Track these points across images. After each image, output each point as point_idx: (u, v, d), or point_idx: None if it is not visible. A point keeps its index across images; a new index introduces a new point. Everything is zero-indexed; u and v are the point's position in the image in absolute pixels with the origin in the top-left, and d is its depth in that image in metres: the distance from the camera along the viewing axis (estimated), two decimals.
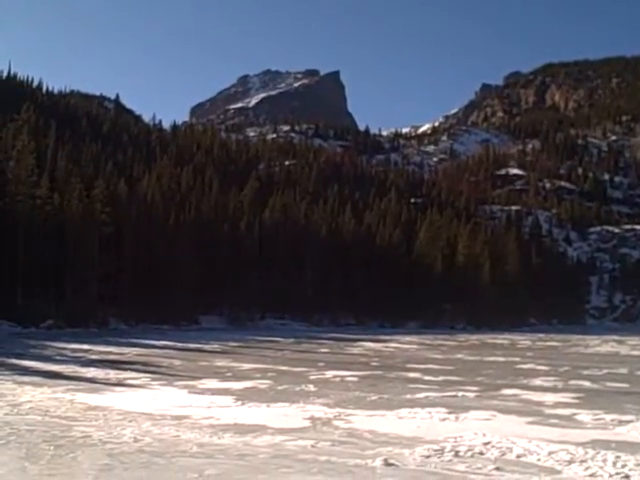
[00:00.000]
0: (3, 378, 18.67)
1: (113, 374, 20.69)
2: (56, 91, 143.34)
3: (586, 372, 25.05)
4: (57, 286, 51.87)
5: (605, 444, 10.77)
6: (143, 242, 61.49)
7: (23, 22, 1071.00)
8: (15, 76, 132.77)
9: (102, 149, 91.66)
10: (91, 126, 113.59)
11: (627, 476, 8.74)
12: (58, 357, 27.52)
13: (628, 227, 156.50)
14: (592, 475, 8.82)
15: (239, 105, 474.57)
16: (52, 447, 9.80)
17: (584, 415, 13.95)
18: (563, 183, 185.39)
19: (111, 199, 60.31)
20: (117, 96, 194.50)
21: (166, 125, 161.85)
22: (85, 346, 32.83)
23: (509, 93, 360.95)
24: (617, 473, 8.87)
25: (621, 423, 12.98)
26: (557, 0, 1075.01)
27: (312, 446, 10.32)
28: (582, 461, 9.54)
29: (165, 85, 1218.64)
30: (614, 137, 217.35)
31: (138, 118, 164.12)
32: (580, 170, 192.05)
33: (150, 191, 73.64)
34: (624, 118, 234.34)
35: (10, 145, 58.14)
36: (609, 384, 20.91)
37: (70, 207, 57.09)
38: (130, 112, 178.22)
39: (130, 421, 12.21)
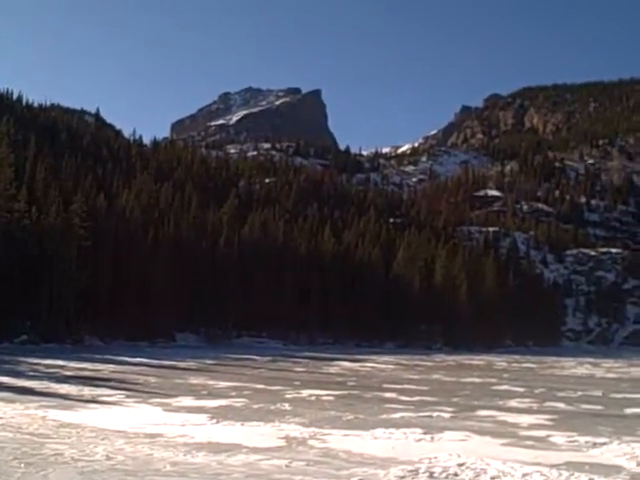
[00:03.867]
0: None
1: (87, 391, 20.50)
2: (36, 104, 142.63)
3: (561, 394, 25.18)
4: (33, 301, 51.33)
5: (579, 466, 10.83)
6: (121, 258, 61.09)
7: (4, 35, 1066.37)
8: None
9: (82, 163, 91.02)
10: (71, 140, 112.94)
11: None
12: (31, 373, 27.22)
13: (604, 250, 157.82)
14: None
15: (220, 122, 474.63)
16: (23, 464, 9.68)
17: (558, 437, 14.02)
18: (540, 205, 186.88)
19: (90, 214, 59.89)
20: (97, 110, 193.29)
21: (146, 140, 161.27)
22: (60, 362, 32.52)
23: (488, 115, 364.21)
24: None
25: (595, 445, 13.06)
26: (537, 25, 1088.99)
27: (287, 466, 10.28)
28: None
29: (146, 100, 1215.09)
30: (591, 160, 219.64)
31: (118, 133, 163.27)
32: (557, 192, 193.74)
33: (129, 206, 73.26)
34: (601, 142, 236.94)
35: None
36: (584, 406, 21.04)
37: (48, 221, 56.65)
38: (111, 127, 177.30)
39: (103, 439, 12.10)
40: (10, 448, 10.93)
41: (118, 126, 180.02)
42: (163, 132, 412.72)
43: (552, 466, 10.70)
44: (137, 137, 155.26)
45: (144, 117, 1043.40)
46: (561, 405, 21.16)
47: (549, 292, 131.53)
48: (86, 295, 54.63)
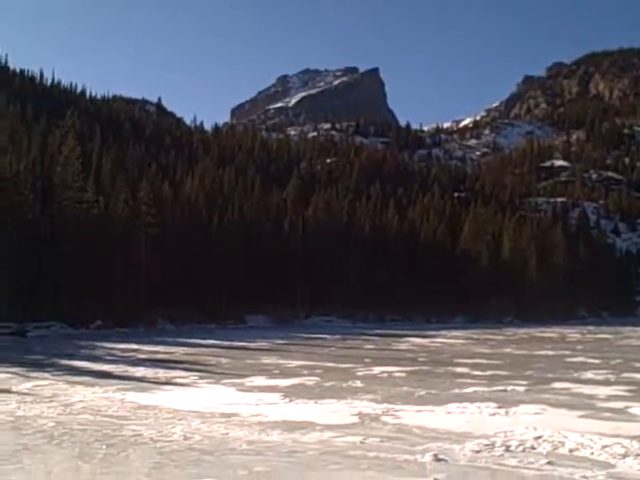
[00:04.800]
0: (55, 378, 19.02)
1: (162, 373, 20.92)
2: (99, 96, 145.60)
3: (639, 365, 24.58)
4: (105, 288, 52.60)
5: None
6: (188, 243, 62.05)
7: (65, 29, 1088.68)
8: (59, 83, 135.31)
9: (145, 152, 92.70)
10: (134, 130, 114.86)
11: None
12: (108, 357, 27.93)
13: None
14: None
15: (279, 105, 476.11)
16: (104, 446, 9.94)
17: (638, 408, 13.69)
18: (610, 173, 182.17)
19: (156, 201, 60.95)
20: (159, 99, 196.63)
21: (207, 127, 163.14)
22: (134, 346, 33.27)
23: (552, 84, 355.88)
24: None
25: None
26: None
27: (361, 442, 10.30)
28: (637, 455, 9.36)
29: (205, 87, 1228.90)
30: None
31: (180, 120, 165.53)
32: (627, 160, 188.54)
33: (194, 192, 74.26)
34: None
35: (57, 151, 59.15)
36: None
37: (116, 210, 57.90)
38: (172, 115, 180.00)
39: (180, 419, 12.32)
40: (92, 430, 11.23)
41: (179, 114, 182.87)
42: (223, 117, 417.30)
43: (632, 437, 10.46)
44: (198, 124, 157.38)
45: (204, 104, 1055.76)
46: (639, 376, 20.65)
47: (622, 261, 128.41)
48: (157, 280, 55.69)
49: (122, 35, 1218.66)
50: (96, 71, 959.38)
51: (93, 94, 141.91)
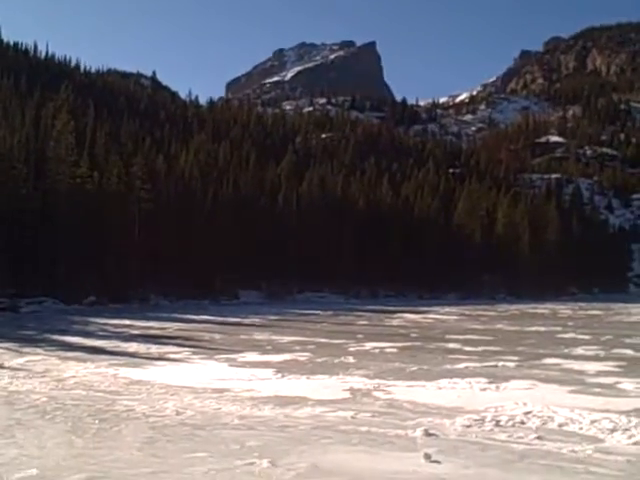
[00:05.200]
0: (48, 354, 19.08)
1: (155, 349, 21.00)
2: (93, 70, 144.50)
3: (629, 340, 24.77)
4: (99, 263, 52.53)
5: None
6: (182, 217, 61.93)
7: (59, 1, 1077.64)
8: (53, 56, 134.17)
9: (140, 127, 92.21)
10: (128, 104, 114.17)
11: None
12: (101, 333, 28.01)
13: None
14: (636, 443, 8.74)
15: (275, 79, 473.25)
16: (97, 421, 10.00)
17: (627, 383, 13.81)
18: (605, 149, 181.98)
19: (150, 175, 60.73)
20: (153, 73, 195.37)
21: (202, 101, 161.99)
22: (127, 321, 33.35)
23: (549, 59, 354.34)
24: None
25: None
26: None
27: (352, 417, 10.38)
28: (625, 429, 9.46)
29: (200, 61, 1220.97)
30: None
31: (175, 95, 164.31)
32: (622, 136, 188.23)
33: (188, 167, 73.99)
34: None
35: (50, 125, 58.80)
36: None
37: (110, 185, 57.68)
38: (166, 89, 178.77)
39: (172, 395, 12.39)
40: (84, 405, 11.29)
41: (174, 88, 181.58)
42: (219, 92, 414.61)
43: (621, 412, 10.56)
44: (193, 98, 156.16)
45: (199, 78, 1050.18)
46: (629, 352, 20.80)
47: (615, 238, 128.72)
48: (150, 255, 55.64)
49: (117, 8, 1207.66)
50: (90, 44, 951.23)
51: (87, 68, 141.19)
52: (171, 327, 30.87)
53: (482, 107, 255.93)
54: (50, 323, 32.08)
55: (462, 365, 17.07)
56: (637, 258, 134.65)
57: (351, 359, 18.37)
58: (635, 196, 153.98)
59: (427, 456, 7.93)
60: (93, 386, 13.43)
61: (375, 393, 12.68)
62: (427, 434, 9.17)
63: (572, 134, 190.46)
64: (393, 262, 77.22)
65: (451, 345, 22.89)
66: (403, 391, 12.87)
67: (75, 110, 71.72)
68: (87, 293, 49.89)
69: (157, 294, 56.67)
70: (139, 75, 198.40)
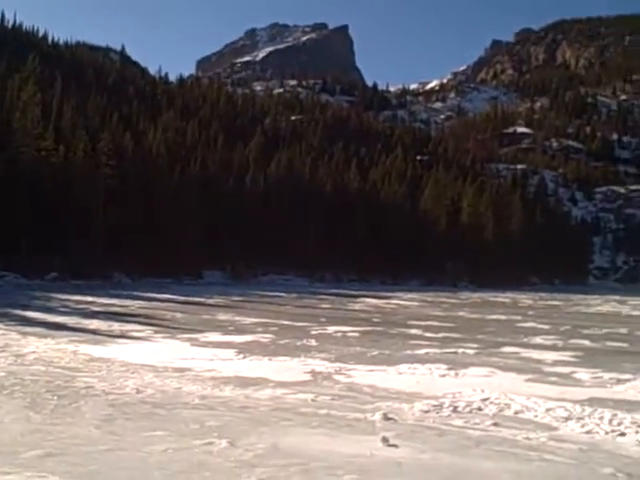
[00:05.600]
0: (8, 329, 18.85)
1: (116, 326, 20.87)
2: (61, 42, 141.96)
3: (586, 331, 25.19)
4: (62, 239, 51.94)
5: (602, 402, 10.87)
6: (148, 195, 61.43)
7: None
8: (20, 26, 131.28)
9: (108, 101, 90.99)
10: (97, 78, 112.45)
11: (623, 434, 8.84)
12: (62, 309, 27.73)
13: (634, 187, 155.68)
14: (588, 432, 8.91)
15: (246, 59, 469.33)
16: (55, 397, 9.92)
17: (583, 373, 14.06)
18: (571, 142, 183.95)
19: (116, 152, 60.09)
20: (123, 48, 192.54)
21: (172, 78, 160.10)
22: (89, 298, 33.06)
23: (519, 50, 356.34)
24: (613, 430, 8.97)
25: (619, 382, 13.09)
26: None
27: (312, 400, 10.43)
28: (579, 418, 9.64)
29: (171, 38, 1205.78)
30: (624, 96, 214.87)
31: (144, 70, 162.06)
32: (588, 129, 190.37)
33: (155, 144, 73.33)
34: (635, 77, 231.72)
35: (16, 96, 57.78)
36: (609, 343, 21.04)
37: (75, 159, 56.96)
38: (136, 64, 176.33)
39: (133, 372, 12.34)
40: (43, 381, 11.20)
41: (143, 64, 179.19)
42: (189, 69, 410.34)
43: (576, 402, 10.76)
44: (163, 75, 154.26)
45: (170, 54, 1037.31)
46: (586, 342, 21.17)
47: (577, 230, 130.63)
48: (114, 233, 55.18)
49: None
50: (59, 15, 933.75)
51: (55, 39, 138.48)
52: (133, 305, 30.68)
53: (452, 95, 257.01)
54: (11, 298, 31.67)
55: (423, 351, 17.23)
56: (598, 250, 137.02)
57: (313, 342, 18.43)
58: (598, 189, 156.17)
59: (385, 440, 8.02)
60: (53, 362, 13.31)
61: (336, 376, 12.75)
62: (386, 418, 9.25)
63: (539, 126, 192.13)
64: (358, 247, 77.58)
65: (412, 331, 23.08)
66: (363, 375, 12.96)
67: (42, 82, 70.49)
68: (49, 268, 49.38)
69: (120, 271, 56.27)
70: (108, 49, 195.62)
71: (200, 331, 20.23)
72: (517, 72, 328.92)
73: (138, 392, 10.56)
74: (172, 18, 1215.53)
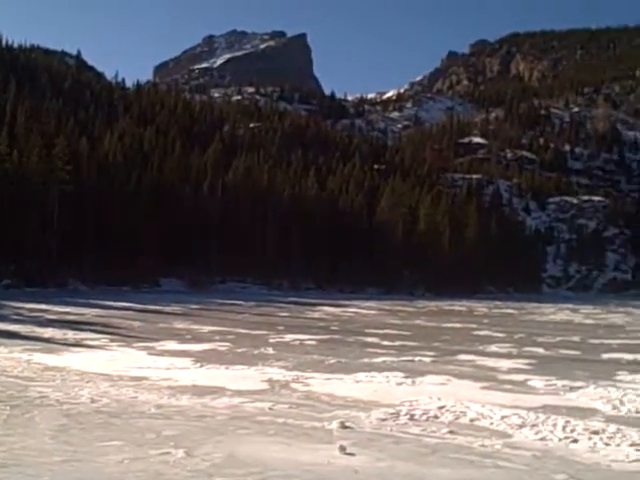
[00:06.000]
0: None
1: (71, 334, 20.59)
2: (16, 45, 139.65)
3: (540, 339, 25.58)
4: (15, 245, 51.09)
5: (556, 409, 11.07)
6: (104, 202, 60.72)
7: None
8: None
9: (63, 106, 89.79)
10: (52, 82, 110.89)
11: (575, 440, 9.01)
12: (15, 317, 27.26)
13: (586, 198, 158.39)
14: (542, 439, 9.06)
15: (204, 65, 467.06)
16: (8, 407, 9.76)
17: (537, 381, 14.29)
18: (524, 153, 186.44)
19: (72, 157, 59.30)
20: (79, 52, 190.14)
21: (129, 84, 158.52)
22: (43, 306, 32.56)
23: (475, 61, 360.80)
24: (566, 437, 9.14)
25: (572, 389, 13.33)
26: None
27: (270, 408, 10.43)
28: (533, 425, 9.80)
29: (128, 43, 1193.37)
30: (576, 108, 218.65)
31: (100, 75, 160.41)
32: (542, 140, 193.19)
33: (112, 150, 72.54)
34: (586, 90, 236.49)
35: None
36: (562, 351, 21.40)
37: (30, 164, 56.09)
38: (92, 69, 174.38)
39: (88, 382, 12.20)
40: None
41: (100, 69, 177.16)
42: (146, 75, 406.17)
43: (530, 409, 10.94)
44: (119, 80, 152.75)
45: (127, 60, 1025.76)
46: (540, 350, 21.51)
47: (531, 239, 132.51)
48: (70, 239, 54.41)
49: None
50: (13, 18, 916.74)
51: (9, 42, 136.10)
52: (89, 313, 30.29)
53: (409, 105, 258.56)
54: None
55: (380, 359, 17.33)
56: (551, 260, 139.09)
57: (271, 350, 18.42)
58: (551, 200, 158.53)
59: (342, 448, 8.06)
60: (5, 371, 13.09)
61: (293, 385, 12.76)
62: (343, 426, 9.30)
63: (494, 136, 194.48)
64: (316, 255, 77.65)
65: (370, 339, 23.19)
66: (321, 383, 13.00)
67: None
68: (2, 275, 48.47)
69: (75, 279, 55.49)
70: (63, 53, 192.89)
71: (157, 340, 20.07)
72: (472, 83, 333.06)
73: (93, 402, 10.44)
74: (129, 23, 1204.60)
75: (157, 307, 36.96)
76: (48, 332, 21.04)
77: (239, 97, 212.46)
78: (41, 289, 48.71)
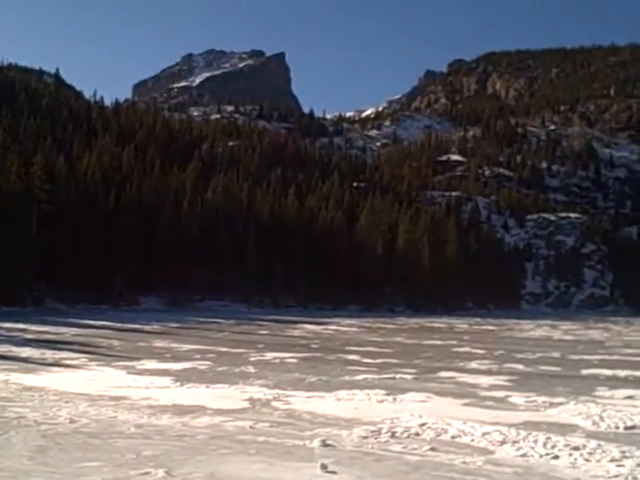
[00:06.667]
0: None
1: (49, 354, 20.38)
2: None
3: (520, 356, 25.66)
4: None
5: (536, 425, 11.10)
6: (83, 221, 60.39)
7: None
8: None
9: (41, 125, 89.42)
10: (30, 101, 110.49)
11: (556, 456, 9.03)
12: None
13: (564, 215, 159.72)
14: (523, 455, 9.08)
15: (183, 84, 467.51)
16: None
17: (517, 397, 14.33)
18: (502, 170, 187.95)
19: (50, 176, 59.02)
20: (57, 70, 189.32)
21: (108, 102, 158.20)
22: (20, 325, 32.23)
23: (452, 80, 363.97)
24: (547, 453, 9.16)
25: (552, 405, 13.38)
26: None
27: (251, 427, 10.37)
28: (514, 442, 9.81)
29: (107, 62, 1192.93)
30: (552, 126, 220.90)
31: (79, 94, 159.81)
32: (519, 158, 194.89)
33: (90, 169, 72.23)
34: (562, 108, 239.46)
35: None
36: (542, 367, 21.48)
37: (7, 183, 55.70)
38: (70, 87, 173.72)
39: (66, 402, 12.07)
40: None
41: (78, 87, 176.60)
42: (125, 94, 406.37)
43: (511, 425, 10.96)
44: (98, 99, 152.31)
45: (105, 78, 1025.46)
46: (520, 366, 21.58)
47: (509, 256, 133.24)
48: (48, 258, 54.00)
49: (19, 1, 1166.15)
50: None
51: None
52: (67, 332, 30.01)
53: (387, 123, 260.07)
54: None
55: (361, 377, 17.30)
56: (530, 276, 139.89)
57: (251, 369, 18.34)
58: (529, 217, 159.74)
59: (323, 466, 8.02)
60: None
61: (274, 403, 12.71)
62: (324, 445, 9.26)
63: (472, 154, 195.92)
64: (296, 272, 77.59)
65: (351, 357, 23.16)
66: (302, 401, 12.95)
67: None
68: None
69: (53, 298, 55.03)
70: (41, 72, 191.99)
71: (136, 359, 19.91)
72: (450, 101, 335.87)
73: (72, 422, 10.32)
74: (108, 42, 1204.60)
75: (136, 326, 36.71)
76: (26, 351, 20.81)
77: (218, 115, 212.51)
78: (19, 308, 48.24)
